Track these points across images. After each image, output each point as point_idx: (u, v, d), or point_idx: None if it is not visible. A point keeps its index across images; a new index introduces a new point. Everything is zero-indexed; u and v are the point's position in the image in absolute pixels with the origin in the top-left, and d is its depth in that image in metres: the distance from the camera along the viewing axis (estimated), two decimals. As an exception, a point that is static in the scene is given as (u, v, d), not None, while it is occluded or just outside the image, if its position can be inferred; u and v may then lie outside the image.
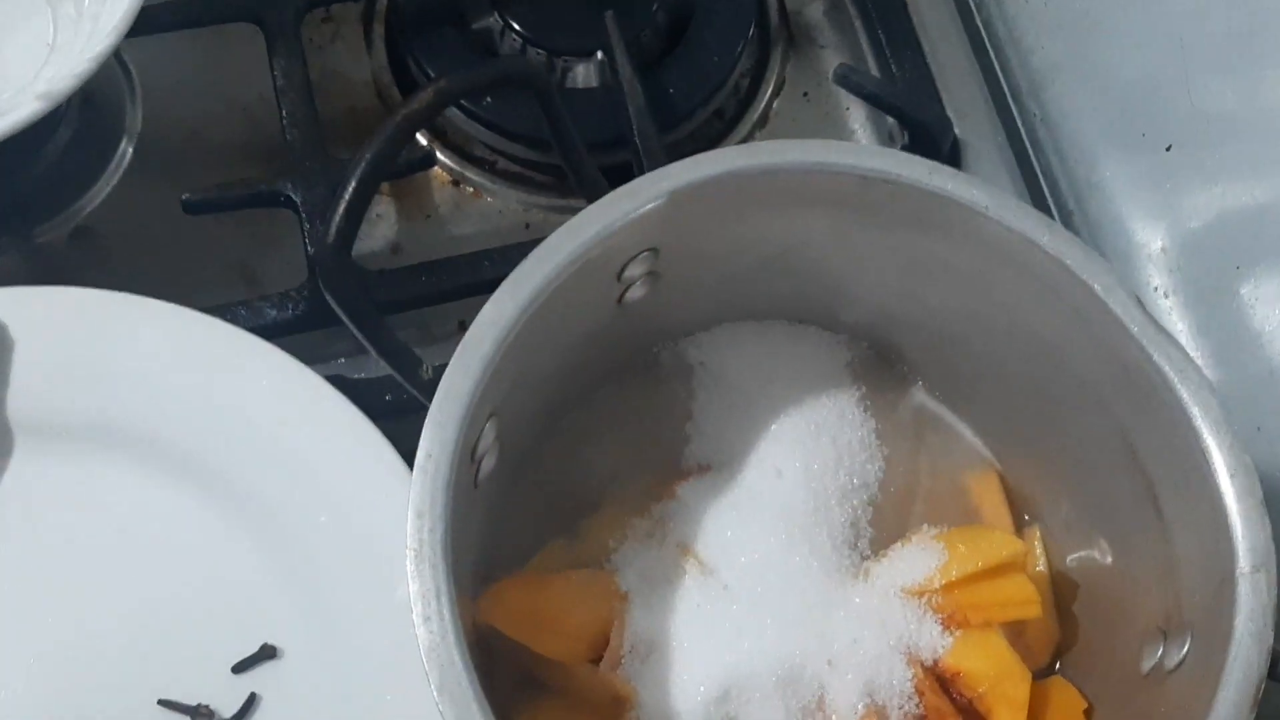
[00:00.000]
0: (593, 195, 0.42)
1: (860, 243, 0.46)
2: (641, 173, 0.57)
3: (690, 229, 0.45)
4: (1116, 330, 0.42)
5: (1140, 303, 0.42)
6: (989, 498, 0.52)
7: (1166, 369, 0.41)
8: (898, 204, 0.44)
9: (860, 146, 0.43)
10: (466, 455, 0.41)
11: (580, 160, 0.49)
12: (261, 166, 0.65)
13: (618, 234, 0.42)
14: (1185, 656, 0.41)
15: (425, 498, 0.38)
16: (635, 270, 0.45)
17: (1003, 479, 0.52)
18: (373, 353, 0.42)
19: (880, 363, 0.53)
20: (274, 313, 0.59)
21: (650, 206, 0.42)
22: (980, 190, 0.43)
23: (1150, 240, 0.63)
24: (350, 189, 0.38)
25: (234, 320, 0.56)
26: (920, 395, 0.53)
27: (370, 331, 0.40)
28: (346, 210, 0.38)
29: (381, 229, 0.66)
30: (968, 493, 0.52)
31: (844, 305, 0.51)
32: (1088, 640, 0.49)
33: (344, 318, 0.40)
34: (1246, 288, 0.56)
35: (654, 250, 0.45)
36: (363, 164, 0.38)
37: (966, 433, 0.53)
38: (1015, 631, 0.48)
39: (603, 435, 0.52)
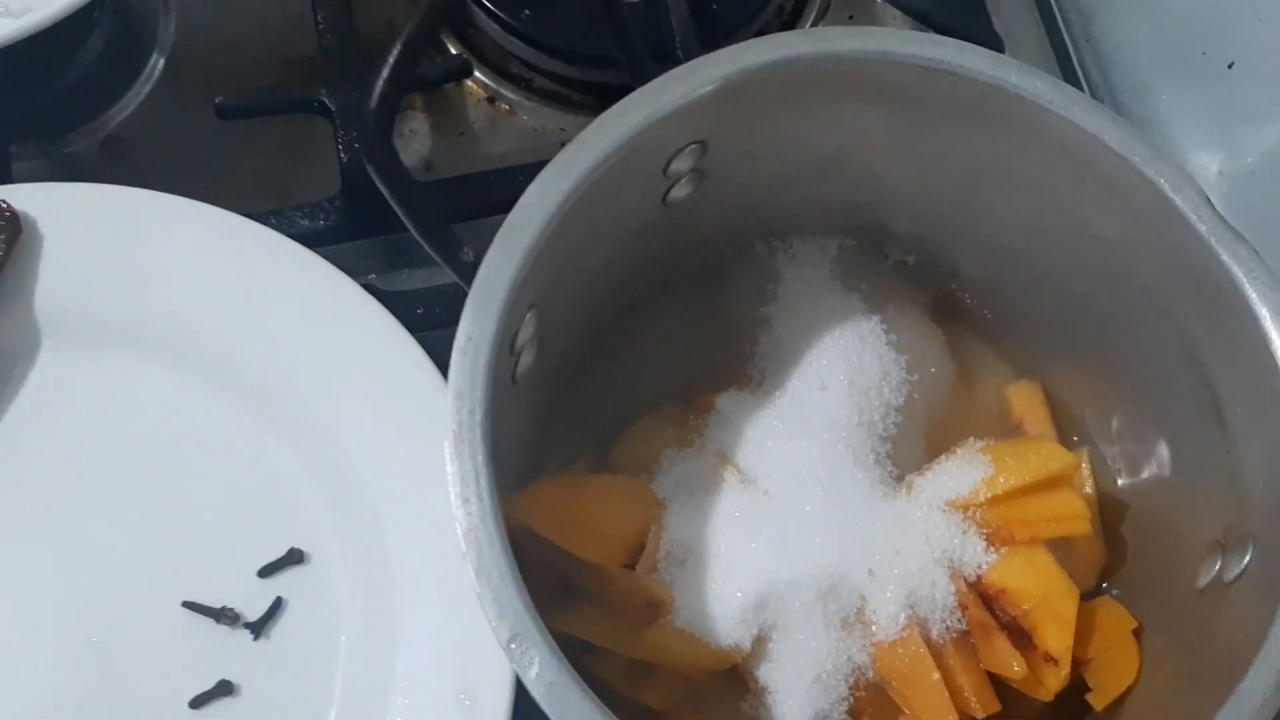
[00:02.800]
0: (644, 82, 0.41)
1: (917, 144, 0.45)
2: (678, 60, 0.56)
3: (741, 122, 0.43)
4: (1183, 230, 0.41)
5: (1209, 201, 0.41)
6: (1032, 410, 0.50)
7: (1236, 270, 0.40)
8: (959, 97, 0.42)
9: (923, 35, 0.41)
10: (506, 343, 0.39)
11: (637, 55, 0.47)
12: (296, 79, 0.64)
13: (666, 121, 0.41)
14: (1247, 567, 0.39)
15: (465, 379, 0.37)
16: (682, 164, 0.44)
17: (1048, 394, 0.50)
18: (411, 228, 0.40)
19: (930, 277, 0.51)
20: (305, 223, 0.58)
21: (702, 92, 0.41)
22: (1045, 83, 0.41)
23: (1206, 166, 0.61)
24: (393, 55, 0.37)
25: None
26: (969, 310, 0.52)
27: (411, 207, 0.39)
28: (389, 77, 0.36)
29: (415, 145, 0.65)
30: (1010, 406, 0.51)
31: (896, 215, 0.49)
32: (1137, 562, 0.48)
33: (384, 190, 0.39)
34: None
35: (702, 144, 0.43)
36: (410, 29, 0.37)
37: (1015, 349, 0.51)
38: (1062, 553, 0.47)
39: (643, 347, 0.51)
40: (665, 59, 0.59)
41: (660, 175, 0.44)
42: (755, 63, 0.41)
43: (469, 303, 0.38)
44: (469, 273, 0.38)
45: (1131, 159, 0.41)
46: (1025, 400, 0.51)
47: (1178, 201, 0.41)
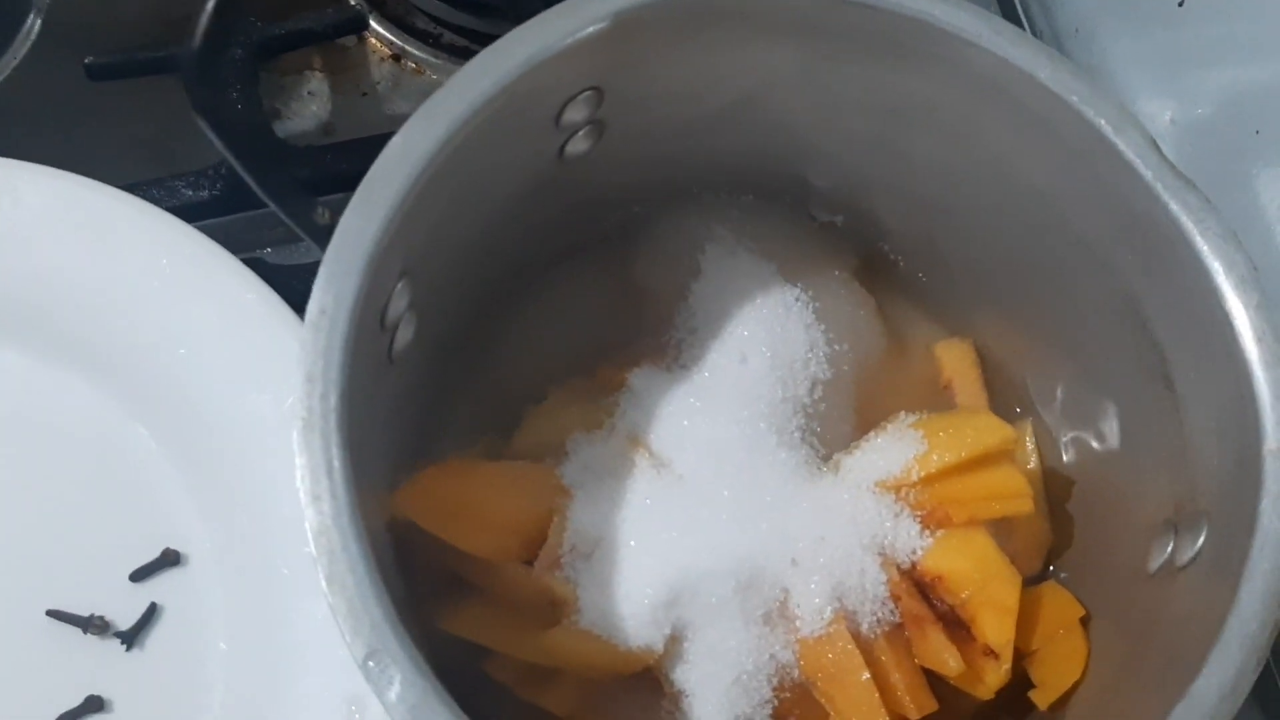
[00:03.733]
0: (524, 19, 0.36)
1: (833, 85, 0.40)
2: None
3: (639, 65, 0.39)
4: (1126, 175, 0.37)
5: (1155, 144, 0.37)
6: (962, 370, 0.46)
7: (1184, 219, 0.36)
8: (876, 31, 0.38)
9: (833, -36, 0.36)
10: (373, 317, 0.35)
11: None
12: (180, 37, 0.59)
13: (552, 62, 0.36)
14: (1200, 550, 0.36)
15: (318, 359, 0.33)
16: (576, 114, 0.39)
17: (988, 361, 0.46)
18: (253, 186, 0.36)
19: (859, 239, 0.47)
20: (189, 192, 0.54)
21: (591, 30, 0.36)
22: (972, 15, 0.37)
23: (1158, 115, 0.57)
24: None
25: (146, 199, 0.50)
26: (901, 273, 0.48)
27: (248, 153, 0.34)
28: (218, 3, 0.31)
29: (313, 107, 0.60)
30: (940, 366, 0.47)
31: (815, 167, 0.45)
32: (1084, 543, 0.44)
33: (212, 135, 0.34)
34: (1263, 164, 0.51)
35: (597, 90, 0.39)
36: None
37: (951, 313, 0.47)
38: (1003, 535, 0.43)
39: (545, 318, 0.47)
40: None
41: (552, 126, 0.39)
42: (650, -3, 0.37)
43: (322, 270, 0.34)
44: (326, 237, 0.34)
45: (1068, 98, 0.37)
46: (955, 359, 0.47)
47: (1120, 144, 0.36)
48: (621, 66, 0.39)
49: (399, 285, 0.36)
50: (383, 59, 0.62)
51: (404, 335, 0.38)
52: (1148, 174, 0.36)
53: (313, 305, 0.33)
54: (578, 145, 0.41)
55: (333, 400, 0.32)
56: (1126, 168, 0.37)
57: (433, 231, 0.37)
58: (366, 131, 0.57)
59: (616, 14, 0.37)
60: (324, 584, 0.31)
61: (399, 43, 0.61)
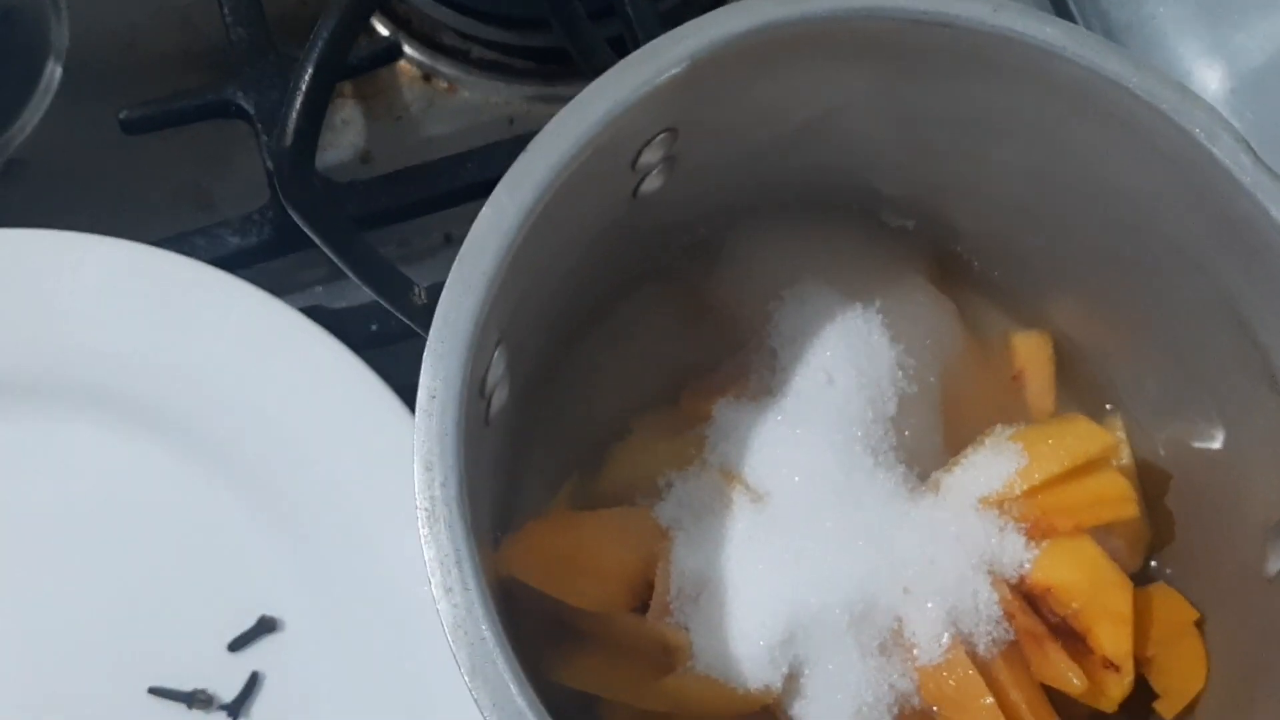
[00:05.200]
0: (598, 70, 0.35)
1: (909, 100, 0.40)
2: (635, 45, 0.50)
3: (713, 101, 0.38)
4: (1222, 180, 0.36)
5: (1250, 147, 0.36)
6: (1036, 362, 0.46)
7: (1286, 222, 0.35)
8: (953, 48, 0.37)
9: (908, -15, 0.35)
10: (475, 390, 0.34)
11: (582, 29, 0.41)
12: (207, 75, 0.58)
13: (631, 112, 0.35)
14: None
15: (433, 446, 0.32)
16: (651, 156, 0.38)
17: (1072, 356, 0.46)
18: (352, 277, 0.35)
19: (931, 242, 0.46)
20: (236, 240, 0.53)
21: (669, 75, 0.35)
22: (1055, 28, 0.36)
23: (1209, 81, 0.56)
24: (307, 77, 0.31)
25: (191, 252, 0.50)
26: (976, 273, 0.47)
27: (346, 251, 0.34)
28: (305, 104, 0.31)
29: (348, 136, 0.59)
30: (1013, 355, 0.46)
31: (887, 177, 0.44)
32: (1188, 539, 0.44)
33: (314, 237, 0.34)
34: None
35: (672, 131, 0.38)
36: (318, 45, 0.31)
37: (1031, 312, 0.47)
38: (1101, 534, 0.42)
39: (621, 353, 0.46)
40: (608, 16, 0.53)
41: (629, 170, 0.39)
42: (724, 35, 0.36)
43: (428, 352, 0.33)
44: (424, 316, 0.33)
45: (1159, 106, 0.36)
46: (1030, 351, 0.46)
47: (1215, 151, 0.36)
48: (697, 105, 0.38)
49: (496, 353, 0.36)
50: (413, 80, 0.60)
51: (499, 398, 0.38)
52: (1245, 180, 0.36)
53: (422, 391, 0.33)
54: (651, 183, 0.40)
55: (453, 486, 0.32)
56: (1223, 173, 0.36)
57: (521, 294, 0.36)
58: (406, 157, 0.57)
59: (693, 56, 0.36)
60: (466, 678, 0.31)
61: (429, 62, 0.60)
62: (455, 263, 0.34)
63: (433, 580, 0.31)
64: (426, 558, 0.31)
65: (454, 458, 0.32)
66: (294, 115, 0.32)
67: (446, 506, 0.32)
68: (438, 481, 0.32)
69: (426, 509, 0.32)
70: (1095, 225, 0.41)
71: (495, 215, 0.34)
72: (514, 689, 0.30)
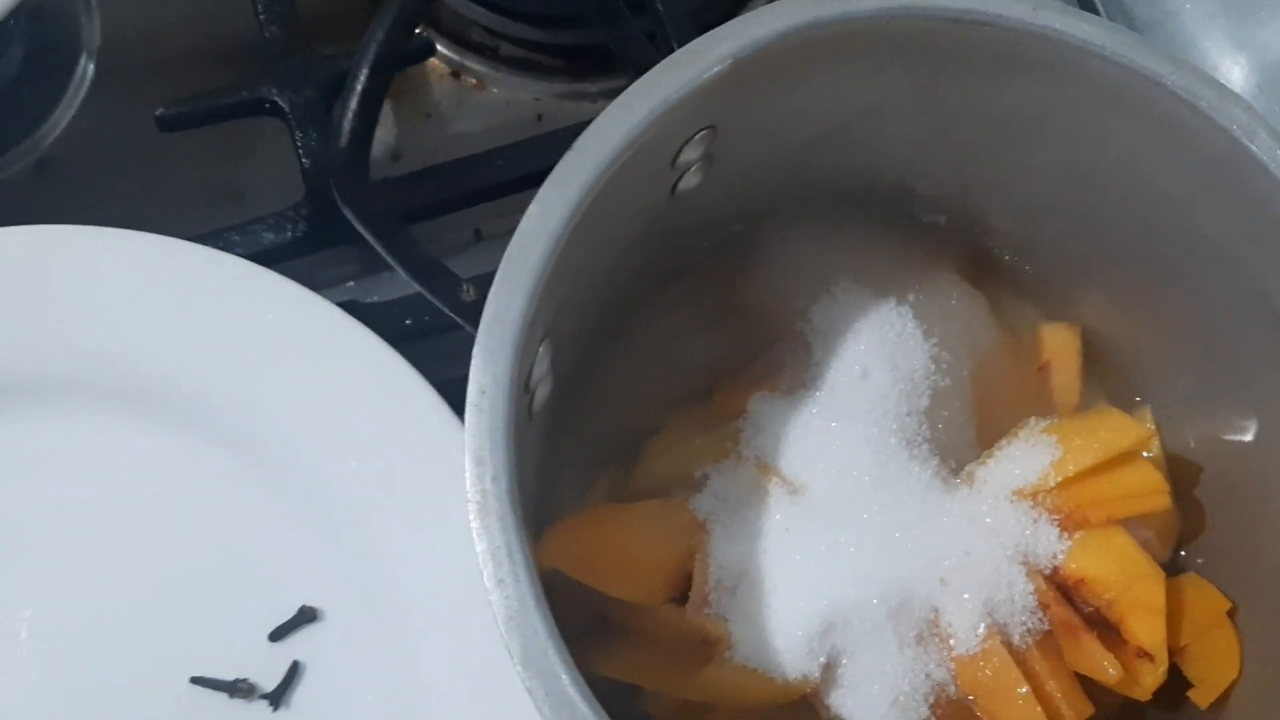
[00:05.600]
0: (640, 68, 0.36)
1: (946, 98, 0.40)
2: (666, 41, 0.51)
3: (753, 100, 0.38)
4: (1259, 177, 0.36)
5: (1288, 144, 0.36)
6: (1064, 354, 0.46)
7: (1324, 220, 0.35)
8: (992, 48, 0.37)
9: (947, -16, 0.36)
10: (521, 386, 0.35)
11: (621, 21, 0.42)
12: (240, 72, 0.58)
13: (674, 111, 0.36)
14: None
15: (484, 441, 0.33)
16: (692, 153, 0.39)
17: (1103, 351, 0.46)
18: (403, 274, 0.35)
19: (963, 238, 0.47)
20: (270, 236, 0.53)
21: (711, 74, 0.36)
22: (1093, 26, 0.37)
23: (1233, 77, 0.56)
24: (363, 77, 0.32)
25: (226, 247, 0.50)
26: (1005, 267, 0.47)
27: (399, 249, 0.34)
28: (360, 104, 0.31)
29: (379, 134, 0.58)
30: (1041, 345, 0.47)
31: (921, 175, 0.45)
32: (1219, 530, 0.44)
33: (368, 236, 0.34)
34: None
35: (712, 129, 0.38)
36: (374, 44, 0.32)
37: (1063, 307, 0.47)
38: (1134, 526, 0.43)
39: (657, 349, 0.46)
40: (640, 12, 0.53)
41: (668, 168, 0.39)
42: (766, 35, 0.36)
43: (477, 350, 0.34)
44: (472, 313, 0.34)
45: (1197, 104, 0.37)
46: (1059, 342, 0.47)
47: (1253, 148, 0.36)
48: (737, 104, 0.38)
49: (541, 349, 0.36)
50: (442, 76, 0.61)
51: (542, 394, 0.38)
52: (1281, 174, 0.36)
53: (472, 387, 0.33)
54: (689, 181, 0.41)
55: (504, 481, 0.32)
56: (1260, 170, 0.36)
57: (566, 290, 0.37)
58: (436, 154, 0.57)
59: (735, 55, 0.36)
60: (519, 668, 0.31)
61: (457, 58, 0.61)
62: (503, 262, 0.34)
63: (485, 572, 0.32)
64: (478, 550, 0.32)
65: (504, 452, 0.33)
66: (350, 115, 0.32)
67: (498, 501, 0.32)
68: (489, 476, 0.32)
69: (478, 502, 0.32)
70: (1129, 222, 0.42)
71: (542, 214, 0.34)
72: (566, 679, 0.31)
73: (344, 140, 0.32)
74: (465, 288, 0.36)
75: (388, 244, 0.34)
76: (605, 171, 0.35)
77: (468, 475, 0.32)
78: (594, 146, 0.35)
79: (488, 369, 0.33)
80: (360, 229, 0.35)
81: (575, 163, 0.35)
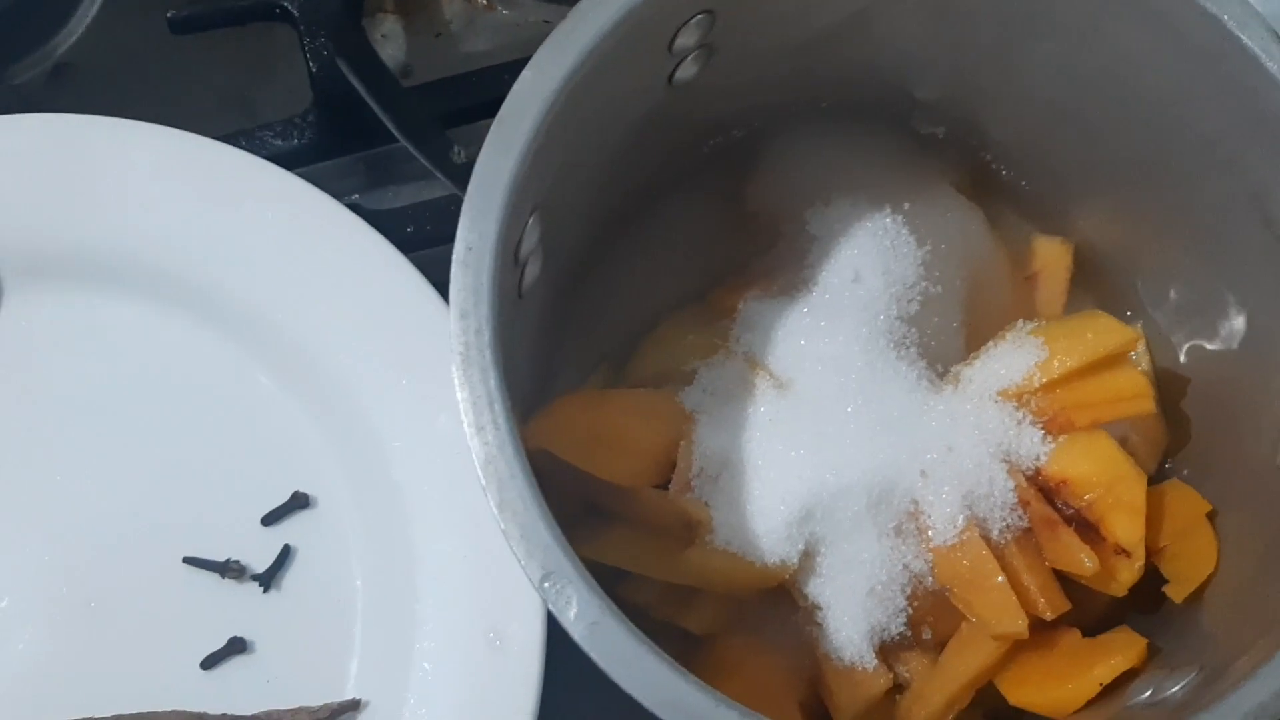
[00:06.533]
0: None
1: (944, -2, 0.40)
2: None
3: (750, -15, 0.39)
4: (1251, 71, 0.36)
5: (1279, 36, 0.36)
6: (1052, 265, 0.47)
7: (1315, 111, 0.36)
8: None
9: None
10: (509, 253, 0.35)
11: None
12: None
13: (670, -14, 0.36)
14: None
15: (469, 295, 0.33)
16: (688, 38, 0.39)
17: (1095, 265, 0.47)
18: (394, 131, 0.36)
19: (961, 150, 0.47)
20: (278, 142, 0.54)
21: (706, -49, 0.36)
22: (1089, -84, 0.37)
23: None
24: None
25: (238, 151, 0.51)
26: (1002, 182, 0.48)
27: (394, 109, 0.35)
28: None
29: (389, 50, 0.60)
30: (1032, 256, 0.47)
31: (922, 79, 0.45)
32: (1203, 440, 0.44)
33: (359, 87, 0.35)
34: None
35: (709, 13, 0.39)
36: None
37: (1057, 221, 0.47)
38: (1120, 435, 0.43)
39: (653, 246, 0.47)
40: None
41: (665, 52, 0.40)
42: (764, -85, 0.37)
43: (465, 209, 0.34)
44: (463, 176, 0.34)
45: (1191, -6, 0.37)
46: (1050, 255, 0.47)
47: (1245, 39, 0.36)
48: (734, -12, 0.38)
49: (530, 221, 0.37)
50: (453, -4, 0.61)
51: (532, 271, 0.39)
52: (1274, 69, 0.36)
53: (459, 243, 0.34)
54: (687, 70, 0.41)
55: (486, 335, 0.33)
56: (1252, 63, 0.36)
57: (558, 166, 0.37)
58: (444, 71, 0.57)
59: (732, -66, 0.37)
60: (495, 510, 0.32)
61: (469, -22, 0.61)
62: (494, 124, 0.35)
63: (465, 420, 0.32)
64: (460, 399, 0.32)
65: (488, 308, 0.33)
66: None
67: (480, 353, 0.33)
68: (472, 329, 0.33)
69: (461, 353, 0.33)
70: (1124, 126, 0.42)
71: (536, 78, 0.35)
72: (540, 521, 0.31)
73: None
74: (456, 150, 0.37)
75: (379, 97, 0.35)
76: (601, 42, 0.36)
77: (451, 327, 0.33)
78: (590, 15, 0.36)
79: (475, 226, 0.34)
80: (351, 78, 0.35)
81: (571, 30, 0.36)
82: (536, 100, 0.35)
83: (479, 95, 0.55)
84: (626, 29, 0.36)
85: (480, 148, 0.34)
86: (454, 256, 0.34)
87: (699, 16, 0.39)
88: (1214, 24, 0.37)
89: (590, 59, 0.36)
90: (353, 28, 0.34)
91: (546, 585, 0.31)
